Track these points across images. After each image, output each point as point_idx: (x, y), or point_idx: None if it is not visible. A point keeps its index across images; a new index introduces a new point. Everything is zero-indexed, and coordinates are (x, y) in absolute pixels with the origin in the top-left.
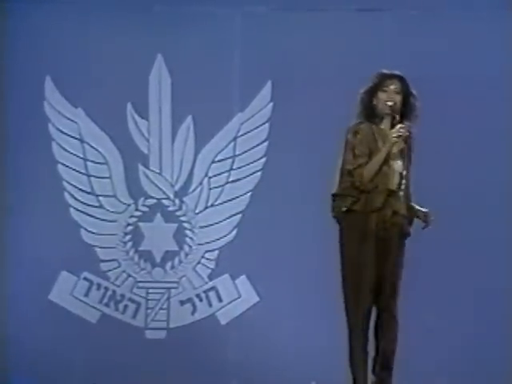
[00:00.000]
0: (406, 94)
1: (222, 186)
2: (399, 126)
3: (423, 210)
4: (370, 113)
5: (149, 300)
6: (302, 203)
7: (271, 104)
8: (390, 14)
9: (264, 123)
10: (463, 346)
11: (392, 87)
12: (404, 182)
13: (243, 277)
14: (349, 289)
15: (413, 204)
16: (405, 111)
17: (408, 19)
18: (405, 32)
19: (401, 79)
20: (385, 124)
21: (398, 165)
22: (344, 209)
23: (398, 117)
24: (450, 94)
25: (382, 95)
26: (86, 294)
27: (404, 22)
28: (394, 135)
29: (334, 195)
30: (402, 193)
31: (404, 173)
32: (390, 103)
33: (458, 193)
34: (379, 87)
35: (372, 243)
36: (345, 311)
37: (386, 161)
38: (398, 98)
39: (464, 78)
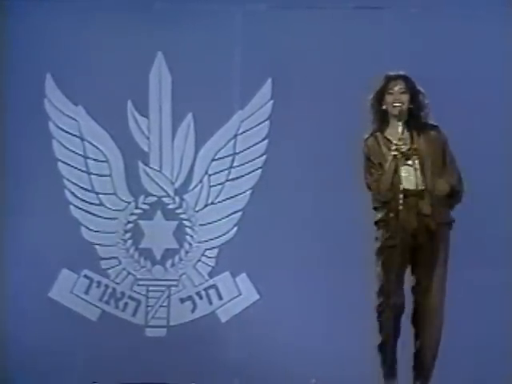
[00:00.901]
0: (413, 93)
1: (222, 183)
2: (398, 136)
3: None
4: (383, 118)
5: (149, 298)
6: (302, 201)
7: (271, 102)
8: (389, 12)
9: (264, 121)
10: (463, 344)
11: (397, 88)
12: (425, 179)
13: (243, 274)
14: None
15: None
16: (414, 110)
17: (407, 17)
18: (404, 30)
19: (405, 79)
20: (396, 127)
21: (412, 165)
22: (375, 219)
23: (401, 123)
24: (449, 93)
25: (388, 98)
26: (87, 292)
27: (403, 20)
28: (393, 148)
29: (374, 208)
30: (426, 192)
31: (419, 170)
32: (397, 104)
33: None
34: (385, 90)
35: (399, 246)
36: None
37: (397, 168)
38: (405, 98)
39: (464, 77)
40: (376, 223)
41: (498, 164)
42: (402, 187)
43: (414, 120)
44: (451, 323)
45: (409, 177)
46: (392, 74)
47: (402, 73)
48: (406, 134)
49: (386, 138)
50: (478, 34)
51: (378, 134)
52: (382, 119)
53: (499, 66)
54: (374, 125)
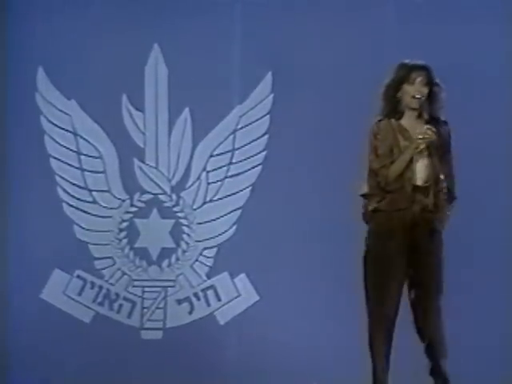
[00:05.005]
0: (432, 85)
1: (221, 180)
2: (426, 127)
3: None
4: (394, 107)
5: (144, 299)
6: (304, 198)
7: (271, 96)
8: (393, 1)
9: (264, 116)
10: (462, 344)
11: (419, 79)
12: (432, 176)
13: (242, 275)
14: (372, 287)
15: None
16: (429, 103)
17: (411, 7)
18: (408, 20)
19: (428, 70)
20: (408, 118)
21: (423, 160)
22: (371, 208)
23: (425, 114)
24: (453, 83)
25: (408, 88)
26: (80, 293)
27: (407, 9)
28: (420, 137)
29: (362, 195)
30: (431, 189)
31: (430, 167)
32: (418, 96)
33: (461, 190)
34: (405, 80)
35: (398, 241)
36: (366, 305)
37: (411, 159)
38: (426, 91)
39: (468, 67)
40: (372, 211)
41: (497, 164)
42: (414, 182)
43: (427, 113)
44: (450, 324)
45: (421, 172)
46: (414, 63)
47: (423, 63)
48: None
49: (403, 127)
50: (483, 23)
51: (392, 120)
52: (393, 108)
53: (505, 56)
54: (384, 112)
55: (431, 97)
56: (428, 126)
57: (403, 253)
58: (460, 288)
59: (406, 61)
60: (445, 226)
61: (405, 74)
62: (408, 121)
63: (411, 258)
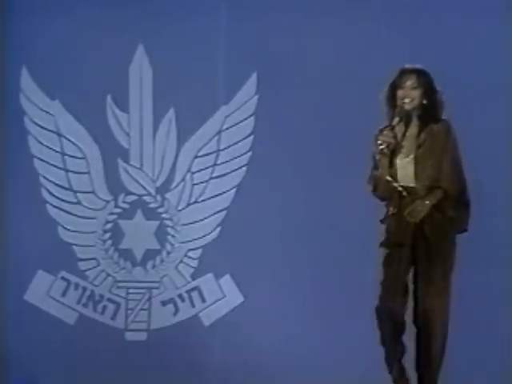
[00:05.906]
0: (427, 88)
1: (206, 181)
2: (385, 132)
3: None
4: (395, 113)
5: (129, 300)
6: (289, 199)
7: (257, 97)
8: (381, 1)
9: (249, 116)
10: (463, 343)
11: (408, 83)
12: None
13: (227, 276)
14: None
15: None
16: (427, 106)
17: (400, 7)
18: (396, 20)
19: (419, 73)
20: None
21: (409, 161)
22: (382, 218)
23: (397, 119)
24: (446, 85)
25: (399, 93)
26: (64, 294)
27: (396, 9)
28: (379, 142)
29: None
30: (422, 188)
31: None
32: (405, 100)
33: None
34: (398, 84)
35: (394, 246)
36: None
37: (392, 163)
38: (416, 94)
39: (461, 68)
40: (381, 220)
41: (497, 164)
42: (397, 185)
43: (426, 116)
44: (451, 323)
45: (406, 174)
46: (405, 67)
47: (415, 66)
48: (399, 128)
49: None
50: (475, 24)
51: (386, 129)
52: (395, 114)
53: (498, 57)
54: (389, 118)
55: (428, 100)
56: (386, 132)
57: (401, 258)
58: (461, 287)
59: (405, 66)
60: (417, 217)
61: (396, 78)
62: (407, 126)
63: (414, 262)
